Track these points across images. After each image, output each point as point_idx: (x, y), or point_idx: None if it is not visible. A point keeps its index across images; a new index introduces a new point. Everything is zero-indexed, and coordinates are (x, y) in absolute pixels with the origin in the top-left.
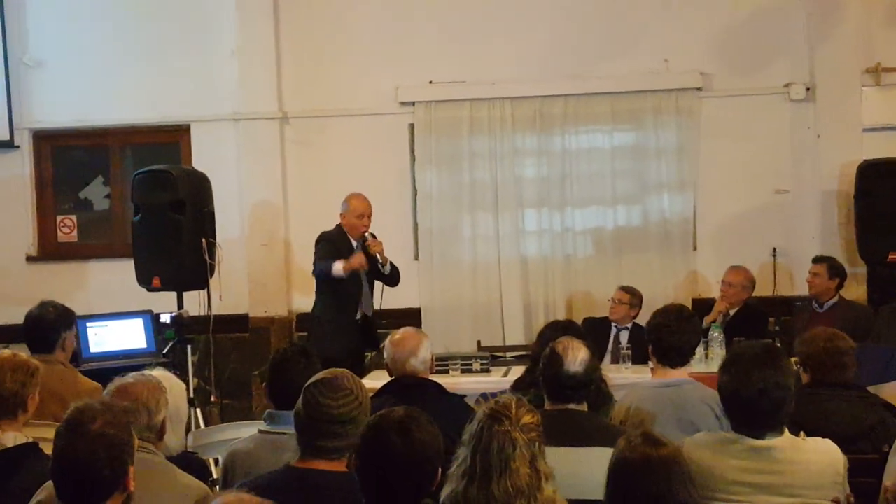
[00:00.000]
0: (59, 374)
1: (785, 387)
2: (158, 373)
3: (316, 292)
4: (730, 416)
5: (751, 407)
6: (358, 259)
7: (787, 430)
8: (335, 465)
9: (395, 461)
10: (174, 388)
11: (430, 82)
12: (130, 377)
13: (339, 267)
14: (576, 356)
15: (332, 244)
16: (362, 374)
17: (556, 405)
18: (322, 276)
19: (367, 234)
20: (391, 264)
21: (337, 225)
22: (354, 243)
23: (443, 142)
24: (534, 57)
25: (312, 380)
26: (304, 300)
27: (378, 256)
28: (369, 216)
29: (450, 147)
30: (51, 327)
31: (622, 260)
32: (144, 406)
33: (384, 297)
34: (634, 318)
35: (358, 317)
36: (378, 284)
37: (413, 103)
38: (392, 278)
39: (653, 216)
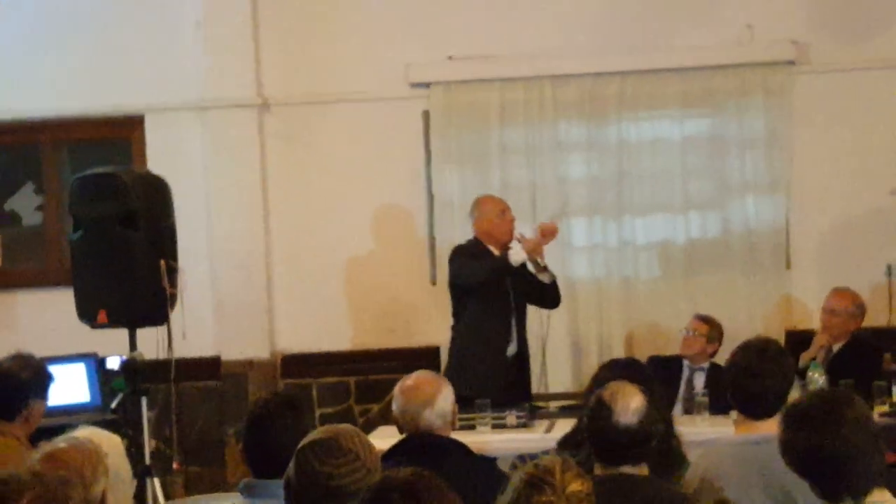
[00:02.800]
0: (10, 452)
1: (874, 436)
2: (85, 432)
3: (454, 319)
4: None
5: (842, 468)
6: (538, 242)
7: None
8: None
9: None
10: (107, 446)
11: (450, 58)
12: (61, 441)
13: (517, 251)
14: (628, 404)
15: (472, 258)
16: None
17: (607, 468)
18: (483, 277)
19: (517, 236)
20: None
21: (470, 240)
22: (497, 254)
23: (466, 134)
24: (582, 24)
25: (307, 440)
26: (292, 338)
27: (537, 262)
28: (510, 211)
29: (475, 140)
30: (17, 391)
31: (696, 282)
32: (79, 476)
33: (392, 334)
34: (713, 355)
35: (510, 352)
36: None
37: (428, 85)
38: (553, 293)
39: (735, 226)
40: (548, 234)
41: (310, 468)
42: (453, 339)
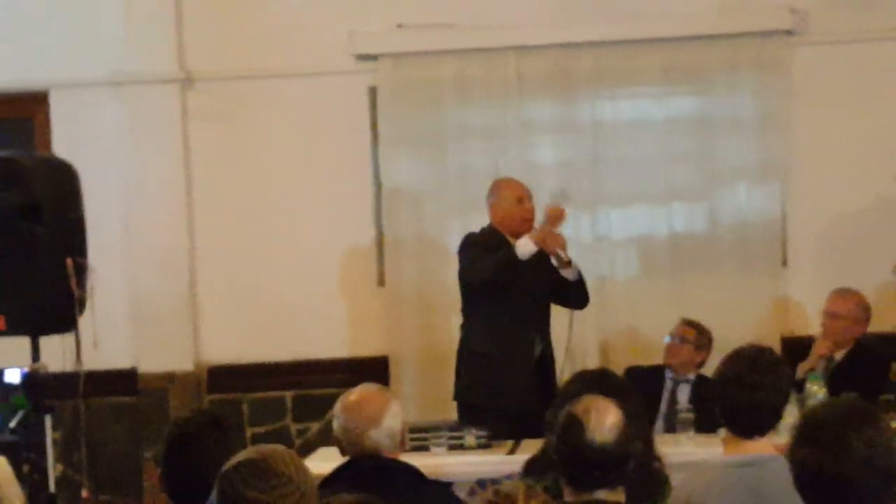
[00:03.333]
0: None
1: (893, 454)
2: None
3: (464, 317)
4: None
5: (849, 488)
6: (545, 230)
7: None
8: None
9: None
10: None
11: (400, 26)
12: None
13: (524, 242)
14: (602, 420)
15: (483, 246)
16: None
17: (579, 494)
18: (489, 275)
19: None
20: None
21: (484, 228)
22: (515, 245)
23: (418, 113)
24: None
25: (232, 462)
26: (220, 347)
27: (559, 256)
28: (531, 199)
29: (429, 121)
30: None
31: (681, 282)
32: None
33: (334, 343)
34: (700, 365)
35: (537, 352)
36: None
37: (375, 57)
38: (579, 290)
39: (724, 218)
40: (554, 219)
41: (234, 493)
42: (463, 341)
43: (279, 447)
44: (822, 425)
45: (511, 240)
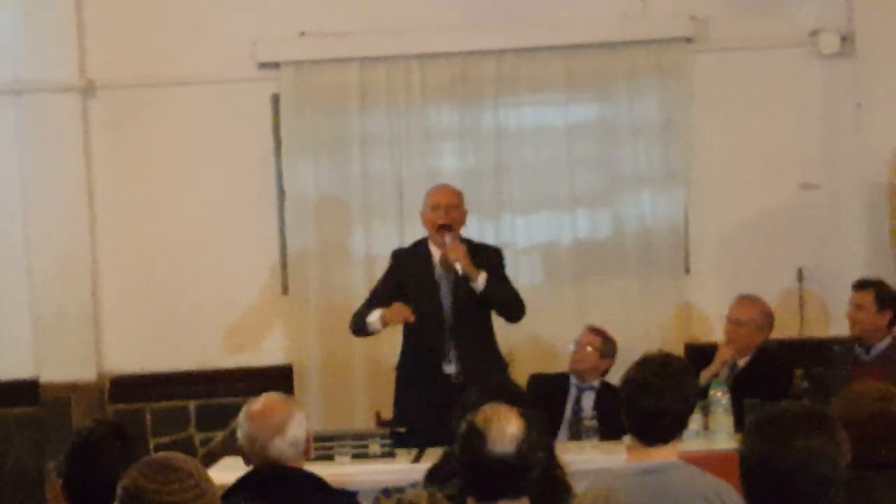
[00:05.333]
0: None
1: (835, 465)
2: None
3: None
4: (750, 498)
5: (785, 486)
6: (397, 310)
7: None
8: None
9: None
10: None
11: (302, 34)
12: None
13: (374, 318)
14: (503, 430)
15: (390, 273)
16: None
17: (482, 503)
18: (354, 326)
19: (446, 234)
20: (490, 284)
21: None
22: (437, 258)
23: (321, 120)
24: None
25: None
26: (122, 356)
27: (458, 267)
28: (453, 206)
29: (332, 127)
30: None
31: (584, 289)
32: None
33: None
34: (605, 373)
35: (448, 371)
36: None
37: (277, 65)
38: (498, 304)
39: (628, 225)
40: (453, 251)
41: (135, 487)
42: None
43: (178, 454)
44: (774, 422)
45: (433, 249)
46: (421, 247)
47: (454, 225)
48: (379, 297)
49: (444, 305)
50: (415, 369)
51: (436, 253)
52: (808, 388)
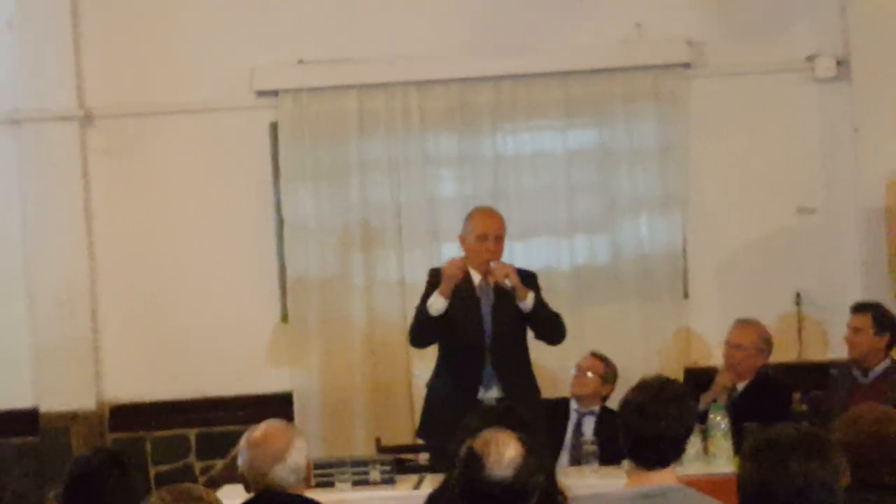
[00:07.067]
0: None
1: (832, 490)
2: None
3: None
4: None
5: None
6: (454, 265)
7: None
8: None
9: None
10: None
11: (301, 61)
12: None
13: (434, 299)
14: (501, 454)
15: (432, 288)
16: None
17: None
18: (417, 330)
19: (491, 262)
20: (538, 303)
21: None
22: (477, 280)
23: (320, 148)
24: (451, 23)
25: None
26: (122, 385)
27: (509, 284)
28: (499, 238)
29: (330, 155)
30: None
31: (583, 314)
32: None
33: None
34: (605, 399)
35: (484, 395)
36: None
37: (276, 93)
38: (544, 324)
39: (626, 250)
40: (500, 270)
41: None
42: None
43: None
44: (769, 446)
45: (474, 273)
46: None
47: (498, 257)
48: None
49: (485, 327)
50: (449, 389)
51: (475, 275)
52: (806, 411)
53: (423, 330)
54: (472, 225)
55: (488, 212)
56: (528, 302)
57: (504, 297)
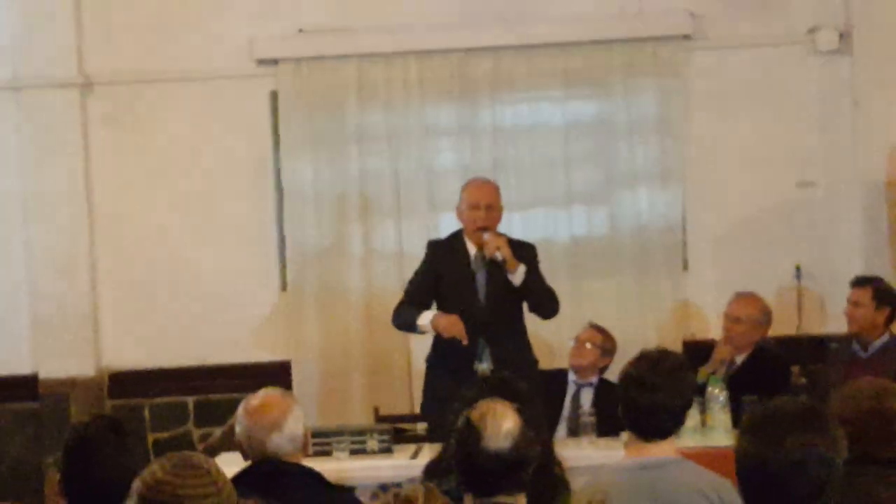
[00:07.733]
0: None
1: (830, 463)
2: None
3: None
4: (746, 496)
5: (780, 484)
6: (454, 323)
7: None
8: None
9: None
10: None
11: (300, 31)
12: None
13: (425, 321)
14: (499, 426)
15: (428, 264)
16: None
17: (479, 499)
18: (399, 323)
19: (484, 234)
20: (530, 276)
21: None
22: (473, 252)
23: (319, 117)
24: None
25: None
26: (121, 352)
27: (500, 257)
28: (491, 207)
29: (330, 125)
30: None
31: (581, 286)
32: None
33: (236, 348)
34: (603, 370)
35: (479, 369)
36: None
37: (275, 62)
38: (536, 297)
39: (625, 222)
40: (493, 242)
41: (154, 480)
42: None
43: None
44: (767, 420)
45: (469, 244)
46: (457, 240)
47: (491, 226)
48: (418, 289)
49: (480, 299)
50: (447, 363)
51: (471, 247)
52: (805, 384)
53: (404, 329)
54: (464, 195)
55: (480, 181)
56: (517, 275)
57: (499, 269)
